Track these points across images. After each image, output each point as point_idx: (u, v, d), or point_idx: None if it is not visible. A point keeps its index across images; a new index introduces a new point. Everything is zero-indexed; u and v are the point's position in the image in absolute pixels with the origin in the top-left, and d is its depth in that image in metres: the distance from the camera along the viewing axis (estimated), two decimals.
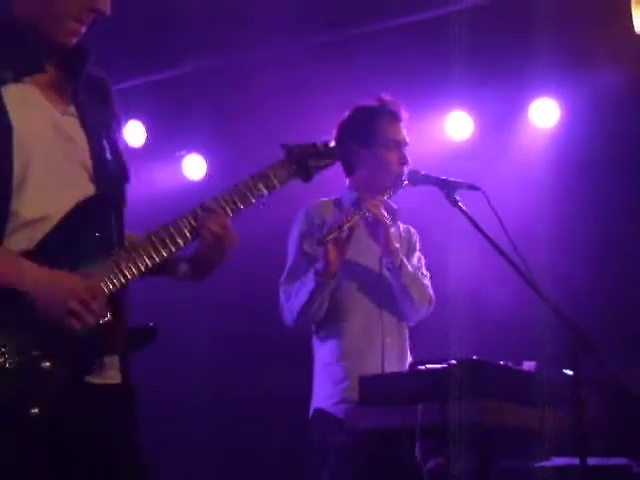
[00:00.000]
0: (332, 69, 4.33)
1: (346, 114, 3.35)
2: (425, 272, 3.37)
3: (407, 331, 3.33)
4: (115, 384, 2.06)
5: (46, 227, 1.98)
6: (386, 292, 3.26)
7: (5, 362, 1.87)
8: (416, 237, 3.42)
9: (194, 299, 4.29)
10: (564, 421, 2.86)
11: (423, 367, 2.86)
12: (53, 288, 1.91)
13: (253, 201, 2.18)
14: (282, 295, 3.24)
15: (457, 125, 4.82)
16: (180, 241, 2.08)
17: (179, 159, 5.28)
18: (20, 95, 2.01)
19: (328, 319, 3.23)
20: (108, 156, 2.10)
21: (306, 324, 3.21)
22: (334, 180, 3.17)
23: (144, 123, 5.13)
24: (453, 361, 2.77)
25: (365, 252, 3.29)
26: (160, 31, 4.26)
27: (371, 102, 3.37)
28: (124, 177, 2.14)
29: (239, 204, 2.16)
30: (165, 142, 5.14)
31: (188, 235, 2.10)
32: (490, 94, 4.61)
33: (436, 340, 3.33)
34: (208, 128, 4.90)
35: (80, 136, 2.07)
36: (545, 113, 4.71)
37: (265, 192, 2.20)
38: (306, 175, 2.29)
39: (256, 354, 4.86)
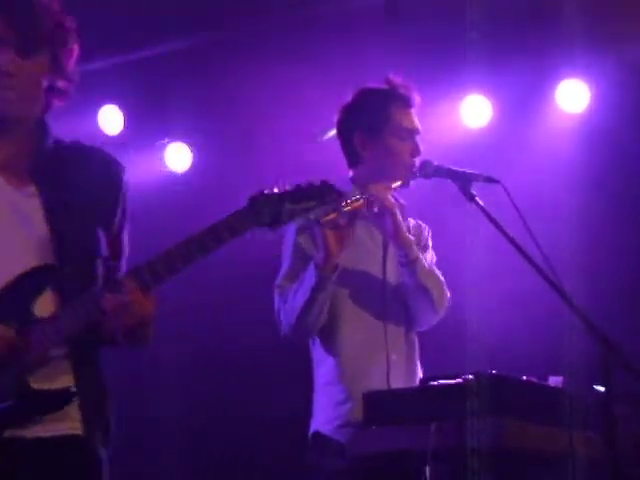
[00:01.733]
0: (334, 49, 4.32)
1: (350, 97, 3.26)
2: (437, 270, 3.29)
3: (417, 340, 3.23)
4: (63, 436, 2.12)
5: None
6: (391, 300, 3.16)
7: None
8: (428, 233, 3.35)
9: (176, 305, 4.16)
10: (595, 443, 2.79)
11: (436, 383, 2.79)
12: None
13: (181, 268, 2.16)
14: (278, 298, 3.13)
15: (474, 111, 4.77)
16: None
17: (160, 148, 5.18)
18: None
19: (326, 334, 3.14)
20: (73, 233, 2.18)
21: (305, 332, 3.10)
22: (335, 173, 3.06)
23: (121, 108, 5.03)
24: (469, 376, 2.71)
25: (364, 256, 3.20)
26: (139, 5, 4.24)
27: (379, 84, 3.26)
28: (93, 254, 2.21)
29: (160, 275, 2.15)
30: (145, 129, 5.07)
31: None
32: (511, 76, 4.58)
33: (450, 352, 3.30)
34: (193, 113, 4.86)
35: (38, 215, 2.15)
36: (574, 96, 4.66)
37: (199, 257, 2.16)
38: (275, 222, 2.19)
39: (246, 368, 4.82)
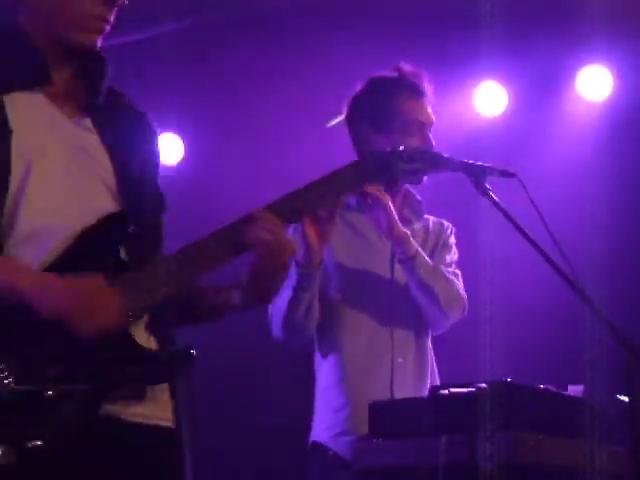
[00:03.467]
0: (338, 38, 4.31)
1: (359, 87, 3.25)
2: (457, 271, 3.27)
3: (429, 347, 3.22)
4: (158, 426, 1.98)
5: (48, 241, 1.97)
6: (399, 301, 3.15)
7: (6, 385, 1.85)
8: (450, 231, 3.33)
9: None
10: (619, 458, 2.78)
11: (446, 392, 2.77)
12: (66, 290, 1.90)
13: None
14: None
15: (488, 98, 4.77)
16: (218, 259, 2.04)
17: None
18: (25, 102, 2.03)
19: (327, 335, 3.15)
20: (139, 179, 2.12)
21: (296, 333, 3.10)
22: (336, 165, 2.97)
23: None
24: (483, 384, 2.68)
25: (371, 255, 3.19)
26: None
27: (389, 73, 3.24)
28: (160, 206, 2.16)
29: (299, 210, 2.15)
30: None
31: (228, 251, 2.05)
32: (528, 61, 4.57)
33: (462, 359, 3.28)
34: (186, 102, 4.81)
35: (99, 152, 2.07)
36: (596, 83, 4.65)
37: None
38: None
39: (249, 371, 4.81)
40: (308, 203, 2.17)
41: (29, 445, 1.82)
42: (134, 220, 2.02)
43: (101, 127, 2.09)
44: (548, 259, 2.71)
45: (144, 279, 1.97)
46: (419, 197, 3.28)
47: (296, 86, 4.31)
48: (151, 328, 2.01)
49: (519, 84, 4.67)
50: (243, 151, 4.65)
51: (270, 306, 3.11)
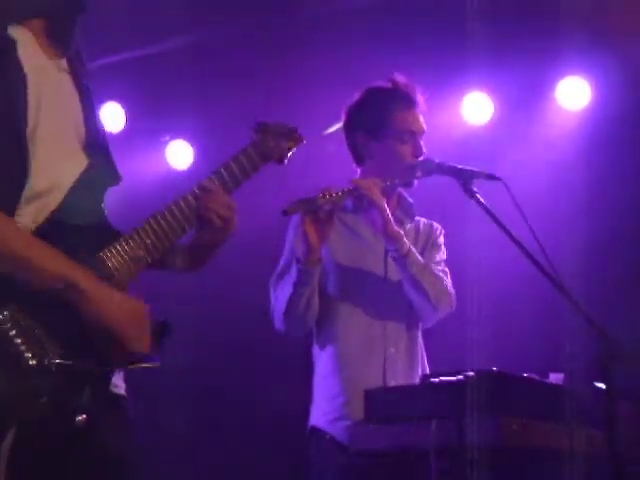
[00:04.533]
0: (337, 46, 4.34)
1: (356, 97, 3.32)
2: (446, 269, 3.33)
3: (420, 338, 3.29)
4: (121, 395, 2.13)
5: (52, 200, 2.01)
6: (392, 297, 3.23)
7: (49, 364, 1.93)
8: (439, 232, 3.39)
9: (177, 296, 4.26)
10: (597, 440, 2.83)
11: (436, 380, 2.83)
12: (123, 309, 1.99)
13: (251, 174, 2.21)
14: (272, 296, 3.23)
15: (475, 108, 4.79)
16: (183, 228, 2.10)
17: (163, 145, 5.21)
18: (24, 41, 2.02)
19: (325, 328, 3.22)
20: (99, 127, 2.12)
21: (296, 326, 3.18)
22: (339, 170, 3.21)
23: (123, 105, 5.01)
24: (470, 372, 2.74)
25: (366, 252, 3.26)
26: (141, 2, 4.28)
27: (384, 83, 3.32)
28: (110, 152, 2.15)
29: (239, 178, 2.19)
30: (147, 127, 5.08)
31: (190, 220, 2.12)
32: (512, 73, 4.57)
33: (451, 349, 3.31)
34: (195, 111, 4.84)
35: (74, 98, 2.08)
36: (575, 93, 4.67)
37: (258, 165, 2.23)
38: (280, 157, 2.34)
39: (249, 362, 4.86)
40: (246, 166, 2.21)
41: (78, 418, 1.95)
42: (102, 172, 2.06)
43: (73, 70, 2.09)
44: (530, 256, 2.82)
45: (134, 251, 2.04)
46: (411, 200, 3.34)
47: (308, 94, 4.33)
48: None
49: (504, 94, 4.71)
50: None
51: (272, 300, 3.19)
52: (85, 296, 1.95)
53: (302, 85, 4.40)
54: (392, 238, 3.16)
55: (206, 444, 4.91)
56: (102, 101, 4.87)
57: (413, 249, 3.20)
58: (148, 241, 2.07)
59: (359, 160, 3.34)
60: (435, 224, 3.42)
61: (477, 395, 2.68)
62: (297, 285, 3.09)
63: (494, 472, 2.70)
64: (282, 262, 3.27)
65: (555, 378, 3.00)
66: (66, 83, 2.08)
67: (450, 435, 2.71)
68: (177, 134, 5.16)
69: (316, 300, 3.16)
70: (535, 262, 2.82)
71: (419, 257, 3.21)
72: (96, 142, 2.08)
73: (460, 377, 2.74)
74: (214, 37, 4.68)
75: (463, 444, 2.68)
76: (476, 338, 3.28)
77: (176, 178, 5.04)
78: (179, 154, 5.21)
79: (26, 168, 1.96)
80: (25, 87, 1.96)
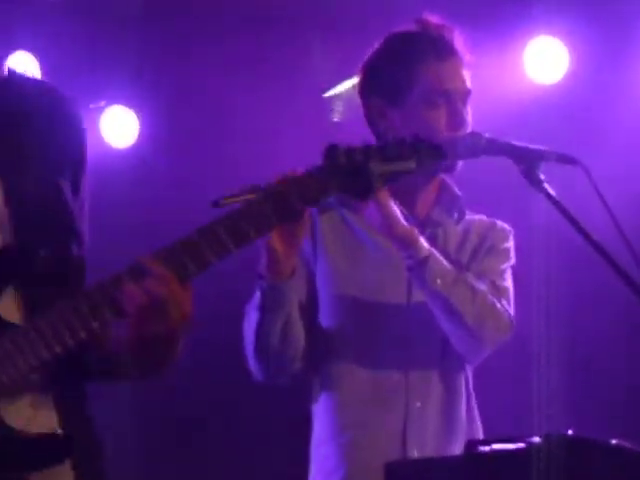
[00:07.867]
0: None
1: (375, 46, 2.99)
2: (506, 284, 2.96)
3: (464, 387, 2.93)
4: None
5: None
6: (419, 328, 2.88)
7: None
8: (505, 234, 3.03)
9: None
10: None
11: (487, 448, 2.49)
12: None
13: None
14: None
15: (544, 60, 4.51)
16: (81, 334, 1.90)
17: (95, 113, 4.99)
18: None
19: (321, 372, 2.92)
20: (36, 203, 2.00)
21: (271, 367, 2.85)
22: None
23: (39, 57, 4.69)
24: (536, 438, 2.44)
25: (380, 267, 2.92)
26: None
27: (411, 27, 2.98)
28: (69, 231, 2.02)
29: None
30: (72, 86, 5.00)
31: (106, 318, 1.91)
32: (596, 12, 4.33)
33: (507, 403, 3.15)
34: (140, 68, 4.67)
35: None
36: None
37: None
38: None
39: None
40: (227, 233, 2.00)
41: None
42: (27, 251, 1.94)
43: None
44: (617, 267, 2.56)
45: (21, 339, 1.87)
46: (458, 191, 2.99)
47: (277, 55, 4.25)
48: (50, 385, 1.93)
49: (584, 41, 4.39)
50: (213, 129, 4.54)
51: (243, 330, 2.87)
52: None
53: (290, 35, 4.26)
54: (401, 240, 2.81)
55: (205, 444, 4.95)
56: (8, 49, 4.99)
57: (436, 254, 2.81)
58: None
59: (375, 134, 2.99)
60: (500, 223, 3.05)
61: (546, 469, 2.44)
62: (262, 309, 2.75)
63: None
64: None
65: None
66: None
67: None
68: (116, 98, 4.92)
69: (298, 329, 2.80)
70: (624, 275, 2.56)
71: (446, 264, 2.82)
72: (27, 222, 2.01)
73: (521, 445, 2.47)
74: None
75: None
76: (545, 389, 3.09)
77: (114, 159, 4.83)
78: (118, 126, 4.96)
79: None
80: None
